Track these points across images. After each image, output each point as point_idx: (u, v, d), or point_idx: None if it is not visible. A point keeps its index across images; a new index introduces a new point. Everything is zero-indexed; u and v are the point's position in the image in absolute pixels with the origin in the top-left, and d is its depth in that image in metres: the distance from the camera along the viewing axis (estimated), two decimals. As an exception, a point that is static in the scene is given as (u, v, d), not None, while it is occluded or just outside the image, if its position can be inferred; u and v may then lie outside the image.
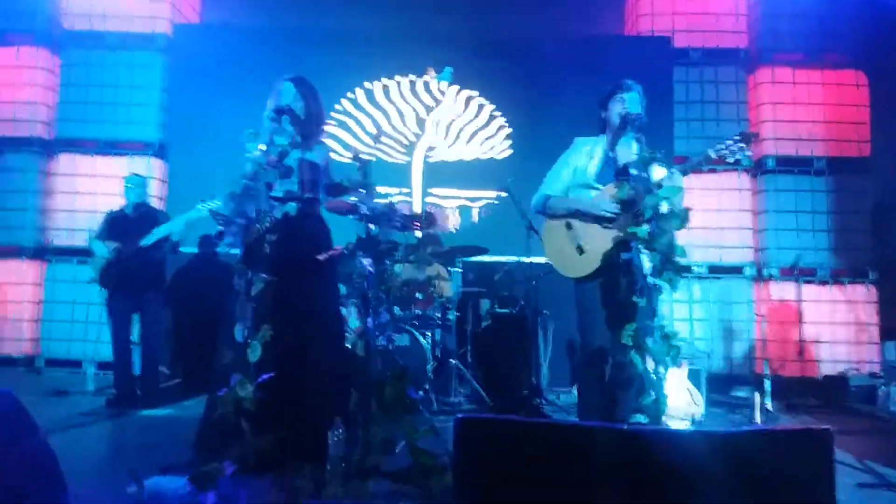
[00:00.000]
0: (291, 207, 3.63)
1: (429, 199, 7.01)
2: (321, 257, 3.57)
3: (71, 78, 7.15)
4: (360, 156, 3.82)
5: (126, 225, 5.20)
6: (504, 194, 5.67)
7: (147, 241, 5.06)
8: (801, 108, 6.85)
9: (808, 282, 6.54)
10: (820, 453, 1.89)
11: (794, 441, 1.95)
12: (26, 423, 2.17)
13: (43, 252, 6.95)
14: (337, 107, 7.05)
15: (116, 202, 5.56)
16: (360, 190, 3.70)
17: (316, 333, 3.45)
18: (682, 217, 3.44)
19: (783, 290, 6.61)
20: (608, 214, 3.39)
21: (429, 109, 7.15)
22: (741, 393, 6.14)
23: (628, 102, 3.55)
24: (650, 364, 3.34)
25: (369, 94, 7.13)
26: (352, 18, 6.94)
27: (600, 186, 3.50)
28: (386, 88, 7.16)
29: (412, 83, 7.16)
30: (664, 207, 3.35)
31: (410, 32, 7.02)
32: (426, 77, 6.83)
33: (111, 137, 7.03)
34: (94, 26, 7.09)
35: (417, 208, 6.81)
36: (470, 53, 7.01)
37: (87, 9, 7.10)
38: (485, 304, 6.21)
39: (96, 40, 7.09)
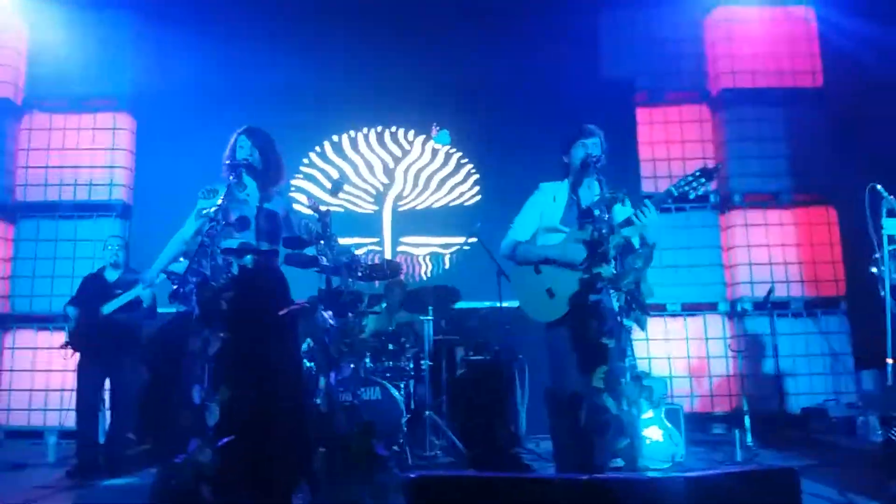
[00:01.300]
0: (248, 260, 3.55)
1: (400, 248, 6.96)
2: (281, 312, 3.48)
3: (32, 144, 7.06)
4: (320, 207, 3.78)
5: (101, 287, 5.07)
6: (473, 240, 5.64)
7: (114, 305, 4.93)
8: (768, 146, 6.96)
9: (782, 315, 6.53)
10: (787, 492, 1.84)
11: (759, 482, 1.90)
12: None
13: (3, 320, 6.75)
14: (305, 160, 7.04)
15: (81, 266, 5.43)
16: (321, 241, 3.66)
17: (277, 392, 3.33)
18: (646, 255, 3.42)
19: (757, 325, 6.59)
20: (578, 260, 3.35)
21: (397, 159, 7.17)
22: (722, 430, 6.07)
23: (590, 146, 3.57)
24: (625, 406, 3.28)
25: (336, 147, 7.14)
26: (314, 73, 6.96)
27: (566, 229, 3.49)
28: (353, 140, 7.17)
29: (379, 134, 7.19)
30: (635, 241, 3.35)
31: (375, 84, 7.06)
32: (433, 133, 6.83)
33: (74, 202, 6.93)
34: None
35: (388, 257, 6.76)
36: (436, 101, 7.07)
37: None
38: (459, 352, 6.10)
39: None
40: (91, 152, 7.03)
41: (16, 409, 6.59)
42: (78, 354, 5.02)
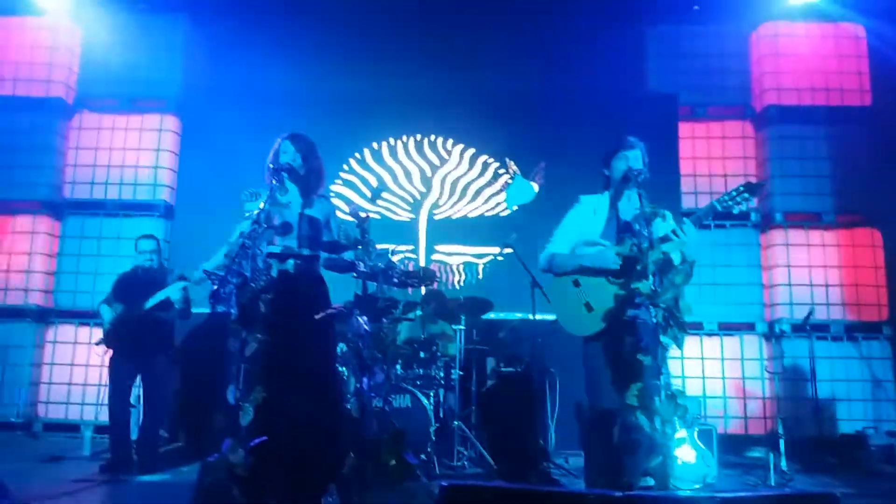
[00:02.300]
0: (289, 265, 3.59)
1: (434, 256, 6.98)
2: (318, 316, 3.50)
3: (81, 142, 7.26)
4: (360, 213, 3.81)
5: (136, 286, 5.15)
6: (508, 250, 5.62)
7: (149, 303, 5.02)
8: (812, 165, 6.84)
9: (821, 338, 6.39)
10: None
11: (801, 507, 1.85)
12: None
13: (46, 314, 6.92)
14: (345, 166, 7.10)
15: (122, 264, 5.53)
16: (359, 247, 3.69)
17: (311, 395, 3.36)
18: (685, 272, 3.38)
19: (795, 347, 6.45)
20: (613, 267, 3.33)
21: (434, 168, 7.19)
22: (756, 453, 5.93)
23: (631, 160, 3.54)
24: (658, 425, 3.24)
25: (376, 154, 7.19)
26: (358, 81, 7.04)
27: (605, 243, 3.47)
28: (392, 147, 7.22)
29: (418, 142, 7.23)
30: (675, 257, 3.32)
31: (416, 93, 7.10)
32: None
33: (119, 200, 7.10)
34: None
35: (423, 264, 6.77)
36: (475, 111, 7.08)
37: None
38: (490, 363, 6.07)
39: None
40: (137, 152, 7.20)
41: (54, 402, 6.76)
42: (105, 351, 5.11)
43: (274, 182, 3.58)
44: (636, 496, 2.02)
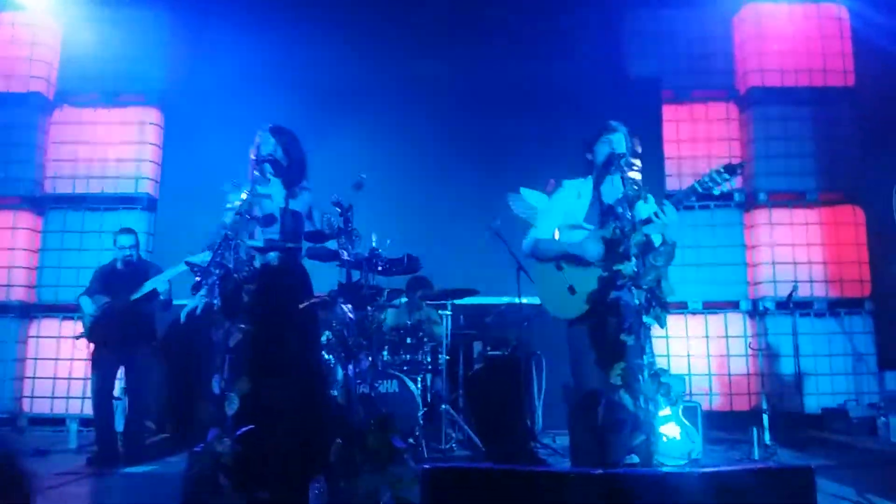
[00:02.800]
0: (272, 257, 3.59)
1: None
2: (302, 305, 3.51)
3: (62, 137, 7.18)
4: (342, 202, 3.80)
5: (115, 279, 5.15)
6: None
7: (136, 295, 5.01)
8: (795, 145, 6.88)
9: (805, 314, 6.46)
10: (802, 491, 1.83)
11: (775, 480, 1.89)
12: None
13: (29, 309, 6.87)
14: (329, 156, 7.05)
15: (104, 258, 5.51)
16: (342, 236, 3.68)
17: (295, 384, 3.37)
18: (667, 253, 3.41)
19: (779, 324, 6.52)
20: (594, 259, 3.34)
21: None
22: (740, 429, 6.00)
23: (614, 143, 3.55)
24: (642, 403, 3.28)
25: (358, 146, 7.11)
26: (340, 72, 6.99)
27: (589, 227, 3.49)
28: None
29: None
30: (656, 238, 3.34)
31: (401, 83, 7.06)
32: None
33: (101, 194, 7.04)
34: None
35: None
36: (454, 100, 7.06)
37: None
38: (477, 347, 6.11)
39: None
40: (119, 146, 7.13)
41: (39, 396, 6.73)
42: (87, 345, 5.10)
43: (256, 173, 3.57)
44: (615, 473, 2.04)
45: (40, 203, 7.05)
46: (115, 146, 7.13)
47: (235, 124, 6.43)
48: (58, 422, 6.52)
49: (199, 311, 4.43)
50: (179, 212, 6.68)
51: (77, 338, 5.22)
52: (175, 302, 5.27)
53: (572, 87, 6.82)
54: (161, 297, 5.14)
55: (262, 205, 3.60)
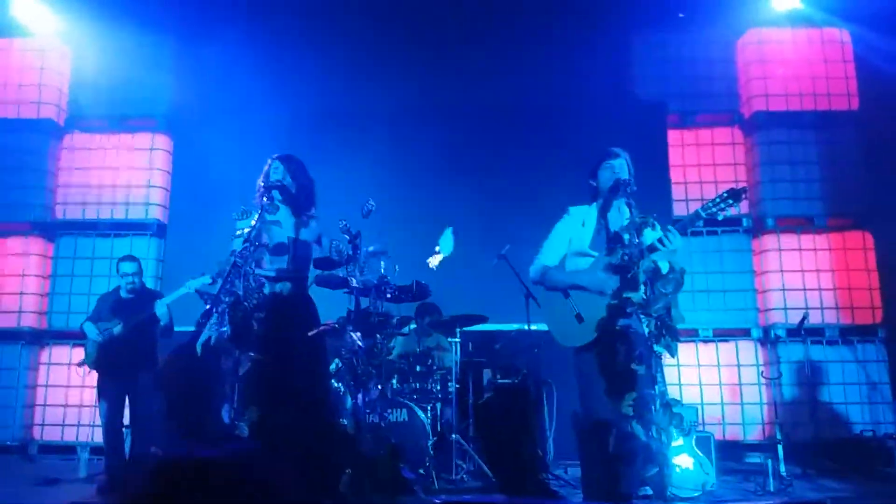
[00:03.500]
0: (282, 285, 3.61)
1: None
2: (311, 333, 3.51)
3: (73, 163, 7.26)
4: (351, 229, 3.82)
5: (120, 307, 5.18)
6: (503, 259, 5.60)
7: (168, 299, 5.07)
8: (802, 169, 6.88)
9: (816, 342, 6.40)
10: None
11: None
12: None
13: (40, 336, 6.89)
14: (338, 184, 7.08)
15: (114, 285, 5.54)
16: (351, 263, 3.69)
17: (304, 413, 3.36)
18: (676, 280, 3.41)
19: (791, 352, 6.46)
20: (609, 292, 3.32)
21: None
22: (754, 459, 5.93)
23: (616, 168, 3.57)
24: (654, 434, 3.25)
25: (367, 171, 7.15)
26: (356, 96, 7.06)
27: (595, 253, 3.48)
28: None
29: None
30: (664, 266, 3.33)
31: (407, 107, 7.11)
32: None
33: (111, 220, 7.10)
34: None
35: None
36: (459, 121, 7.08)
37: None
38: (486, 375, 6.06)
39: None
40: (129, 172, 7.19)
41: (50, 424, 6.72)
42: (95, 373, 5.10)
43: (265, 200, 3.60)
44: (630, 508, 2.02)
45: (51, 229, 7.10)
46: (125, 171, 7.18)
47: (244, 150, 6.52)
48: (69, 450, 6.48)
49: (213, 341, 4.44)
50: (189, 238, 6.71)
51: (79, 364, 5.22)
52: (177, 329, 5.28)
53: (579, 111, 6.84)
54: (161, 324, 5.14)
55: (272, 232, 3.62)
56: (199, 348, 3.69)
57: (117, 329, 5.05)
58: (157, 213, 7.14)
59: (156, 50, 7.24)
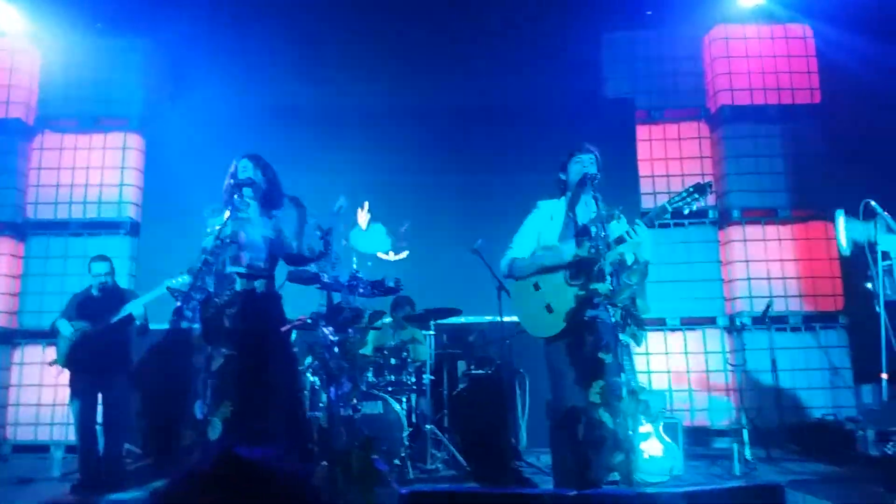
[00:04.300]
0: (258, 284, 3.65)
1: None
2: (284, 328, 3.56)
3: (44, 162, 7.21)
4: (322, 226, 3.87)
5: (91, 305, 5.16)
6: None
7: (115, 318, 5.03)
8: (766, 162, 7.04)
9: (780, 329, 6.57)
10: None
11: (746, 497, 1.95)
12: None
13: (11, 335, 6.84)
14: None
15: (87, 284, 5.51)
16: (322, 259, 3.75)
17: (277, 408, 3.41)
18: (641, 271, 3.50)
19: (756, 339, 6.63)
20: (569, 259, 3.42)
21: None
22: (721, 444, 6.08)
23: (586, 163, 3.66)
24: (621, 420, 3.34)
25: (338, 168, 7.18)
26: (318, 96, 7.08)
27: (563, 247, 3.56)
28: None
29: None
30: (629, 257, 3.43)
31: (380, 105, 7.14)
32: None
33: (84, 219, 7.06)
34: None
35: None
36: (438, 120, 7.15)
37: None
38: (461, 366, 6.16)
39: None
40: (101, 171, 7.15)
41: (23, 423, 6.69)
42: (67, 371, 5.08)
43: (235, 197, 3.63)
44: (589, 494, 2.10)
45: (22, 229, 7.05)
46: (96, 171, 7.15)
47: (216, 148, 6.49)
48: (42, 449, 6.44)
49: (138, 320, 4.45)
50: (162, 236, 6.70)
51: (51, 363, 5.20)
52: (152, 327, 5.29)
53: (548, 108, 6.95)
54: (137, 323, 5.14)
55: (242, 229, 3.66)
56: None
57: (88, 327, 5.03)
58: (130, 212, 7.12)
59: (126, 50, 7.23)
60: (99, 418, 5.18)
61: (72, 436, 5.67)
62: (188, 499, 1.03)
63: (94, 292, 5.24)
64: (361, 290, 4.11)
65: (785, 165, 7.01)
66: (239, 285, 3.52)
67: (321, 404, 4.65)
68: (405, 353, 5.50)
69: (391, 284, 4.77)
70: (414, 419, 5.42)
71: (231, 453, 1.08)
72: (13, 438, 6.67)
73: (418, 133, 7.10)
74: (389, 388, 5.33)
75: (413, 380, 5.46)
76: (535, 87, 7.11)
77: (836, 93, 7.01)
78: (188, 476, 1.06)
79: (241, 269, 3.61)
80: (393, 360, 5.46)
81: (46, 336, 6.63)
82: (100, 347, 4.99)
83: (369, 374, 5.35)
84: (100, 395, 5.10)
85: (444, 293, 6.52)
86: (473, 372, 5.86)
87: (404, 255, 5.01)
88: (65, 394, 6.37)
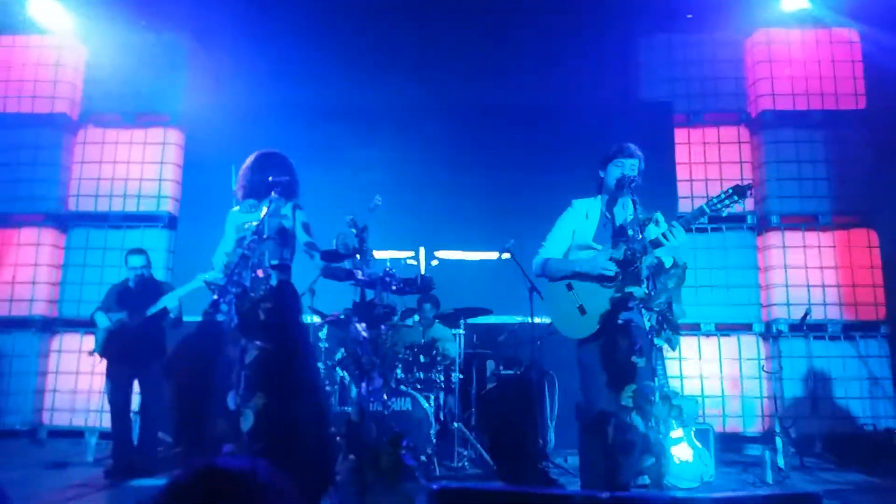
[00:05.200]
0: (287, 276, 3.69)
1: (434, 263, 7.02)
2: (319, 322, 3.59)
3: (86, 156, 7.37)
4: (357, 223, 3.88)
5: (129, 297, 5.27)
6: (507, 255, 5.67)
7: (152, 310, 5.12)
8: (808, 168, 6.90)
9: (818, 337, 6.44)
10: None
11: (782, 506, 1.89)
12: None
13: (51, 324, 7.01)
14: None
15: (124, 275, 5.63)
16: (357, 256, 3.76)
17: (307, 400, 3.44)
18: (678, 276, 3.44)
19: (793, 347, 6.50)
20: (607, 273, 3.37)
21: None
22: (754, 451, 5.97)
23: (627, 167, 3.59)
24: (653, 425, 3.29)
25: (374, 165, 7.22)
26: (362, 91, 7.13)
27: (598, 247, 3.52)
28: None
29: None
30: (667, 261, 3.38)
31: (416, 103, 7.17)
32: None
33: (123, 212, 7.22)
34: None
35: (422, 271, 6.82)
36: (467, 121, 7.16)
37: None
38: (490, 366, 6.15)
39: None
40: (141, 165, 7.30)
41: (59, 409, 6.85)
42: (105, 360, 5.19)
43: (273, 194, 3.67)
44: (622, 497, 2.07)
45: (64, 220, 7.22)
46: (137, 165, 7.30)
47: (254, 145, 6.57)
48: (77, 434, 6.60)
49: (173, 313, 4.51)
50: (199, 230, 6.79)
51: (90, 353, 5.32)
52: (185, 319, 5.37)
53: (584, 109, 6.91)
54: (171, 315, 5.24)
55: (278, 224, 3.70)
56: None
57: (125, 319, 5.14)
58: (168, 206, 7.24)
59: (168, 47, 7.36)
60: (134, 406, 5.29)
61: (106, 422, 5.80)
62: None
63: (131, 285, 5.34)
64: (394, 287, 4.12)
65: (827, 171, 6.86)
66: (274, 279, 3.56)
67: (350, 399, 4.68)
68: (435, 351, 5.50)
69: (423, 283, 4.78)
70: (442, 417, 5.42)
71: (213, 467, 1.07)
72: (49, 423, 6.83)
73: (451, 131, 7.11)
74: (418, 385, 5.35)
75: (442, 378, 5.48)
76: (570, 88, 7.08)
77: (882, 98, 6.84)
78: (172, 488, 1.05)
79: (275, 262, 3.64)
80: (423, 358, 5.48)
81: (84, 325, 6.80)
82: (136, 338, 5.10)
83: (399, 371, 5.37)
84: (135, 385, 5.20)
85: (475, 292, 6.53)
86: (502, 372, 5.85)
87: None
88: (100, 381, 6.55)
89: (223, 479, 1.04)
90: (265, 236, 3.47)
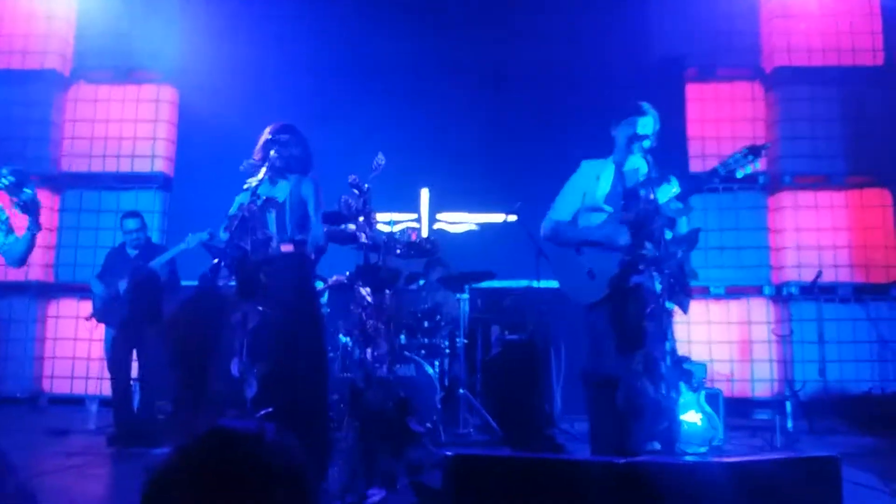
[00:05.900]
0: (290, 242, 3.58)
1: (436, 226, 6.91)
2: (322, 287, 3.48)
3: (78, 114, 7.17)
4: (361, 184, 3.74)
5: (125, 263, 5.16)
6: (513, 218, 5.54)
7: (159, 261, 5.05)
8: (822, 126, 6.70)
9: (829, 300, 6.34)
10: (827, 481, 1.78)
11: (800, 469, 1.83)
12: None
13: (47, 289, 6.89)
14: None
15: (119, 238, 5.51)
16: (359, 218, 3.63)
17: (310, 365, 3.36)
18: (690, 238, 3.33)
19: (803, 310, 6.40)
20: (624, 245, 3.25)
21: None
22: (763, 415, 5.93)
23: (640, 126, 3.42)
24: (663, 390, 3.22)
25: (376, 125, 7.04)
26: (364, 48, 6.91)
27: (609, 208, 3.39)
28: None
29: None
30: (680, 222, 3.27)
31: (422, 62, 6.96)
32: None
33: (116, 173, 7.03)
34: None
35: (425, 234, 6.71)
36: (479, 79, 6.97)
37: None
38: (494, 331, 6.06)
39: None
40: (134, 124, 7.11)
41: (59, 376, 6.78)
42: (103, 326, 5.14)
43: (277, 164, 3.54)
44: (638, 462, 1.99)
45: (57, 181, 7.05)
46: (130, 123, 7.11)
47: (250, 102, 6.42)
48: (77, 401, 6.57)
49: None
50: (195, 190, 6.66)
51: (87, 318, 5.26)
52: (183, 283, 5.27)
53: (596, 65, 6.70)
54: (162, 279, 5.14)
55: (276, 188, 3.59)
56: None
57: (122, 285, 5.04)
58: (162, 166, 7.08)
59: (162, 0, 7.07)
60: (134, 373, 5.22)
61: (106, 390, 5.75)
62: (180, 477, 0.97)
63: (129, 250, 5.23)
64: (399, 251, 4.00)
65: (843, 130, 6.68)
66: (275, 242, 3.44)
67: (355, 364, 4.60)
68: (439, 316, 5.41)
69: (428, 246, 4.66)
70: (447, 382, 5.36)
71: (222, 429, 1.01)
72: (50, 391, 6.78)
73: (458, 91, 6.92)
74: (423, 351, 5.28)
75: (446, 343, 5.40)
76: (582, 44, 6.86)
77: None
78: (179, 455, 0.99)
79: (274, 228, 3.53)
80: (426, 323, 5.39)
81: (81, 290, 6.70)
82: (133, 303, 5.00)
83: (402, 337, 5.29)
84: (134, 351, 5.13)
85: (480, 256, 6.43)
86: (507, 337, 5.77)
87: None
88: (99, 348, 6.47)
89: (232, 440, 0.99)
90: (263, 198, 3.35)
